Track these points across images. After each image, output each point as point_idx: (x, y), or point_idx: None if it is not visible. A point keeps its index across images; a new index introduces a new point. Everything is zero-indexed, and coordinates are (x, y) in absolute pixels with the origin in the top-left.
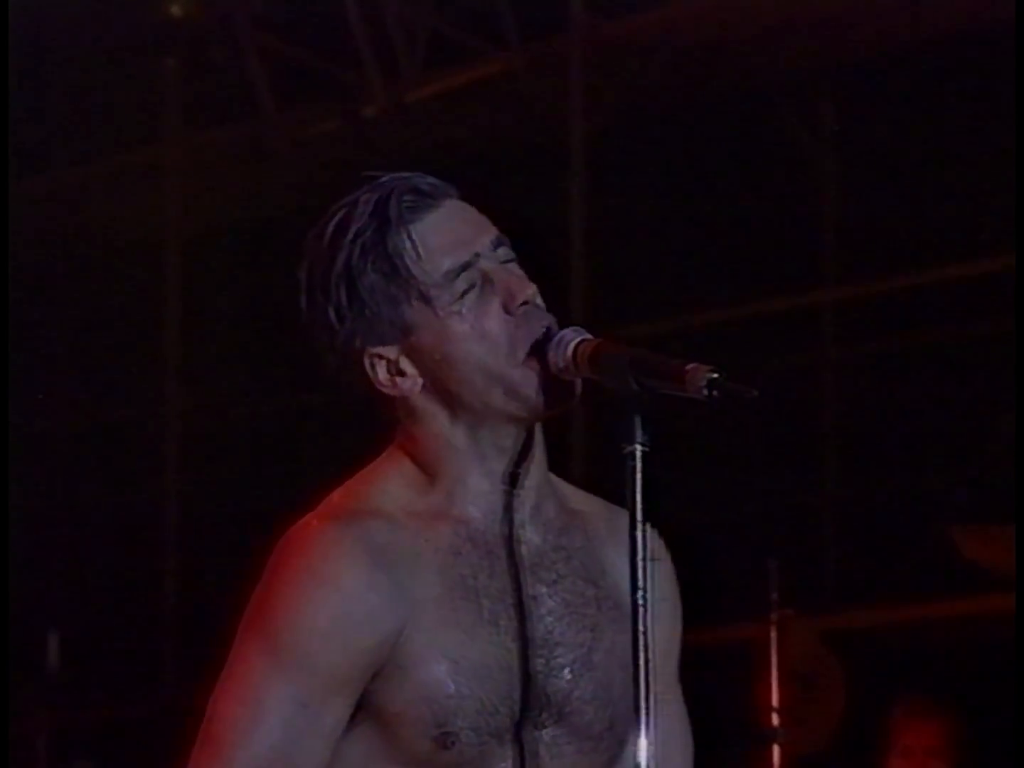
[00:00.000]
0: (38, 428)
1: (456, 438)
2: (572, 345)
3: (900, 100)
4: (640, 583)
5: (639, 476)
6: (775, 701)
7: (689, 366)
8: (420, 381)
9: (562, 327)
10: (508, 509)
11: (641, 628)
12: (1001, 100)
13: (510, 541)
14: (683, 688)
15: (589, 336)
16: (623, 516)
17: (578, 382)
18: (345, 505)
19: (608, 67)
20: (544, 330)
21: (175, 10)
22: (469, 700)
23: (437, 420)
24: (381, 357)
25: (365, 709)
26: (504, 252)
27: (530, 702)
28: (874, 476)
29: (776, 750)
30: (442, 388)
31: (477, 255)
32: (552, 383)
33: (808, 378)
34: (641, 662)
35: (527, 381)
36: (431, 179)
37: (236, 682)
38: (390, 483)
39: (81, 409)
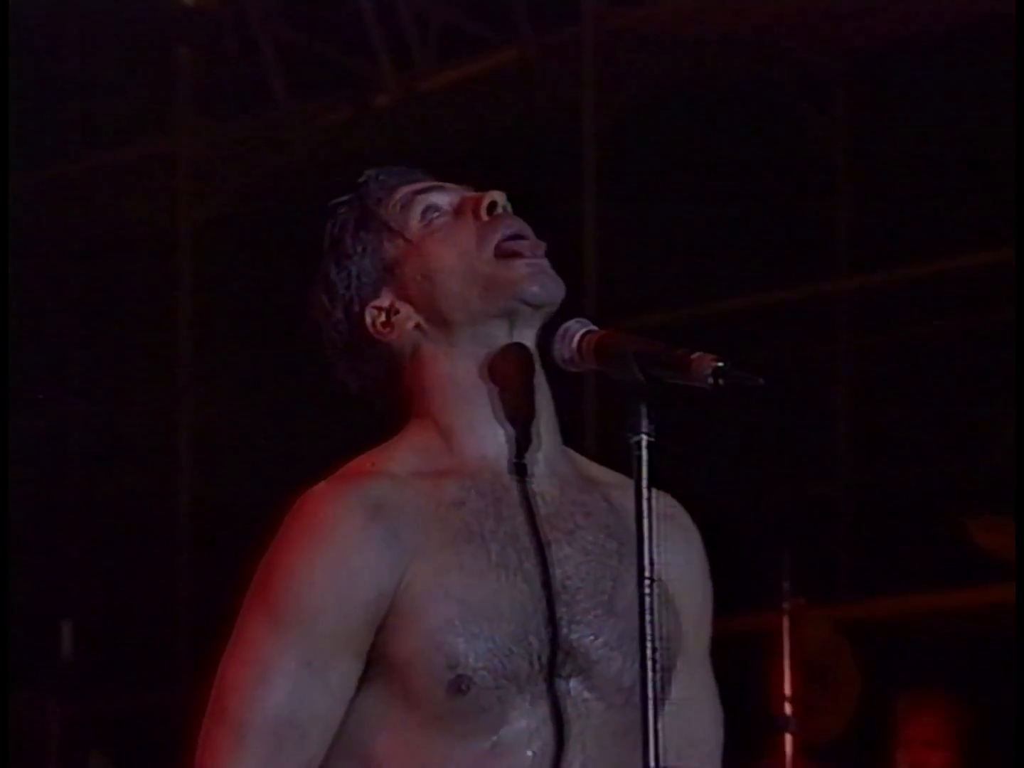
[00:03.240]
0: (50, 418)
1: (459, 373)
2: (577, 337)
3: (915, 90)
4: (647, 572)
5: (645, 466)
6: (788, 690)
7: (694, 355)
8: (414, 316)
9: (573, 318)
10: (519, 460)
11: (648, 617)
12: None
13: (521, 490)
14: None
15: (594, 327)
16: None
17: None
18: (351, 469)
19: (621, 57)
20: (514, 231)
21: None
22: (479, 640)
23: (438, 358)
24: (379, 309)
25: (377, 664)
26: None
27: (553, 650)
28: (888, 465)
29: (789, 739)
30: (433, 314)
31: (443, 187)
32: (532, 273)
33: (822, 367)
34: (648, 651)
35: (501, 271)
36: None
37: (241, 647)
38: (399, 450)
39: (93, 398)
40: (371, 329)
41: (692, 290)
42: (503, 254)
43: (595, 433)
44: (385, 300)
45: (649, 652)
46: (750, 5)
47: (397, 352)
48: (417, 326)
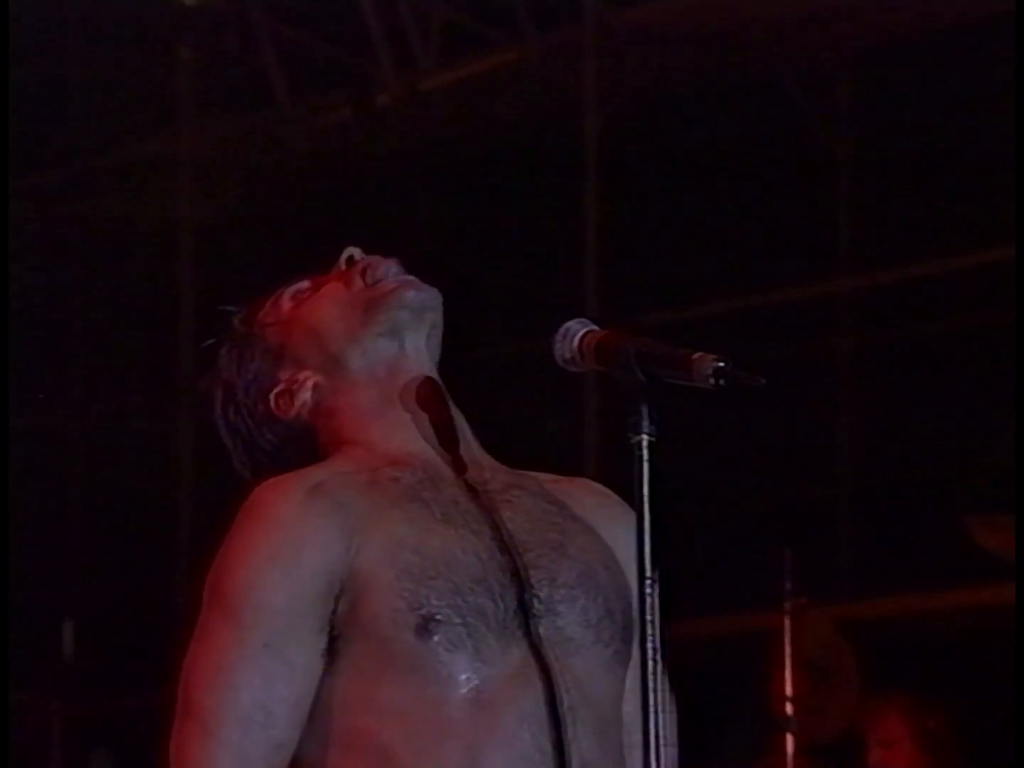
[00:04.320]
0: (52, 418)
1: (362, 398)
2: (578, 337)
3: (915, 90)
4: (647, 572)
5: (646, 466)
6: (789, 690)
7: (695, 355)
8: (311, 376)
9: (573, 318)
10: (444, 451)
11: (649, 617)
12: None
13: (452, 471)
14: (696, 677)
15: (595, 327)
16: (579, 481)
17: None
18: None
19: (622, 56)
20: (375, 263)
21: None
22: (439, 581)
23: (340, 396)
24: (281, 393)
25: (345, 635)
26: None
27: (515, 593)
28: (888, 465)
29: (790, 739)
30: (325, 361)
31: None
32: (403, 282)
33: (822, 367)
34: (649, 653)
35: (374, 291)
36: None
37: (200, 640)
38: (336, 461)
39: (95, 398)
40: (277, 413)
41: (692, 290)
42: (372, 281)
43: (595, 433)
44: (283, 381)
45: (650, 652)
46: (750, 5)
47: (305, 419)
48: (315, 385)
